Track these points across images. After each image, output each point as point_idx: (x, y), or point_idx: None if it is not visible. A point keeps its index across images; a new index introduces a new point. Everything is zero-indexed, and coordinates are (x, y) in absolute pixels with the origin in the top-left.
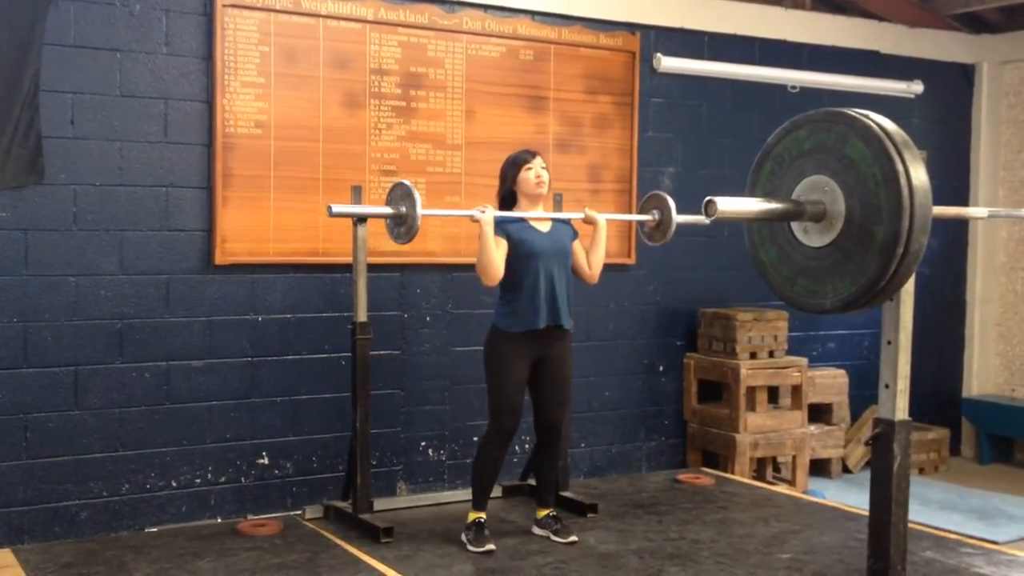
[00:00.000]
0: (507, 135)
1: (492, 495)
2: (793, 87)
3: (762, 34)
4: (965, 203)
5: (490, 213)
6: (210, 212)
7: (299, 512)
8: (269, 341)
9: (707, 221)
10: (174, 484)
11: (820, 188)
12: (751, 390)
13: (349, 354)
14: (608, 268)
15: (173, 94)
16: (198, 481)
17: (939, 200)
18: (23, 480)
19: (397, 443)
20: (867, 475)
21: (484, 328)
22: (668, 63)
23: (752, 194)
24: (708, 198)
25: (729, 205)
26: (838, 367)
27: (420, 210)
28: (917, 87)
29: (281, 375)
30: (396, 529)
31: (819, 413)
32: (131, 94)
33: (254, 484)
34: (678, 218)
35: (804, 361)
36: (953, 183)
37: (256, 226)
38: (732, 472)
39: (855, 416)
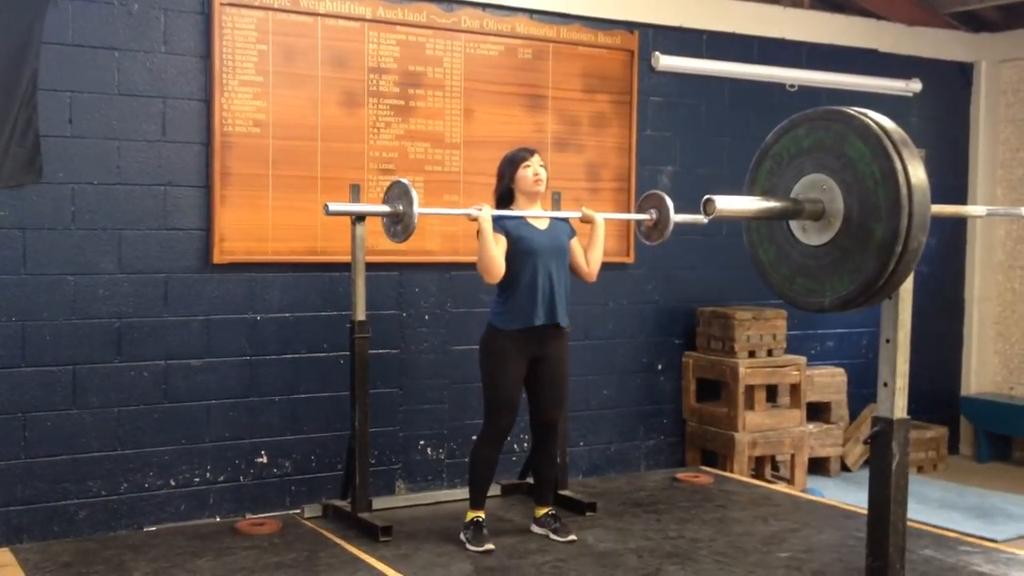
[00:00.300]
0: (506, 134)
1: (490, 494)
2: (792, 86)
3: (761, 33)
4: (963, 201)
5: (487, 211)
6: (208, 211)
7: (298, 511)
8: (268, 340)
9: (705, 220)
10: (173, 483)
11: (819, 186)
12: (750, 389)
13: (348, 353)
14: (607, 267)
15: (171, 93)
16: (197, 480)
17: (937, 198)
18: (22, 479)
19: (396, 442)
20: (866, 473)
21: (483, 327)
22: (666, 62)
23: (751, 193)
24: (707, 197)
25: (728, 204)
26: (837, 366)
27: (417, 209)
28: (915, 86)
29: (280, 374)
30: (395, 528)
31: (818, 412)
32: (129, 93)
33: (253, 483)
34: (676, 217)
35: (803, 360)
36: (951, 181)
37: (254, 225)
38: (731, 471)
39: (854, 414)
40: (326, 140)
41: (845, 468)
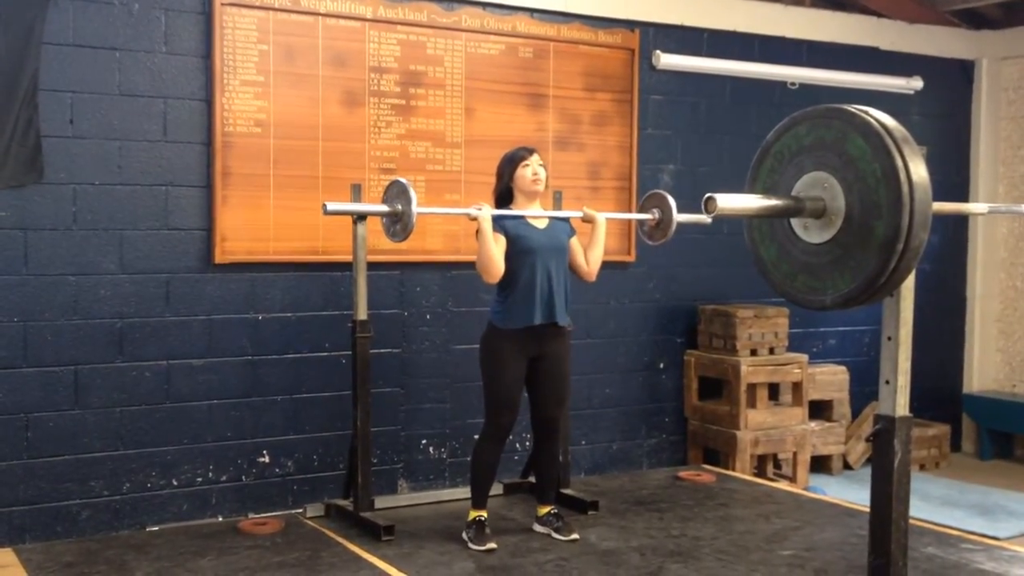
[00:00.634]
0: (506, 133)
1: (493, 493)
2: (792, 84)
3: (761, 31)
4: (965, 199)
5: (487, 211)
6: (210, 211)
7: (300, 510)
8: (269, 340)
9: (708, 219)
10: (175, 483)
11: (820, 184)
12: (752, 387)
13: (349, 352)
14: (608, 266)
15: (172, 93)
16: (199, 480)
17: (939, 196)
18: (24, 479)
19: (398, 441)
20: (868, 471)
21: (484, 326)
22: (667, 60)
23: (752, 191)
24: (708, 195)
25: (729, 202)
26: (838, 363)
27: (415, 208)
28: (917, 83)
29: (281, 374)
30: (397, 527)
31: (820, 410)
32: (130, 93)
33: (255, 483)
34: (679, 217)
35: (804, 358)
36: (953, 179)
37: (256, 225)
38: (733, 469)
39: (856, 412)
40: (327, 140)
41: (847, 466)
